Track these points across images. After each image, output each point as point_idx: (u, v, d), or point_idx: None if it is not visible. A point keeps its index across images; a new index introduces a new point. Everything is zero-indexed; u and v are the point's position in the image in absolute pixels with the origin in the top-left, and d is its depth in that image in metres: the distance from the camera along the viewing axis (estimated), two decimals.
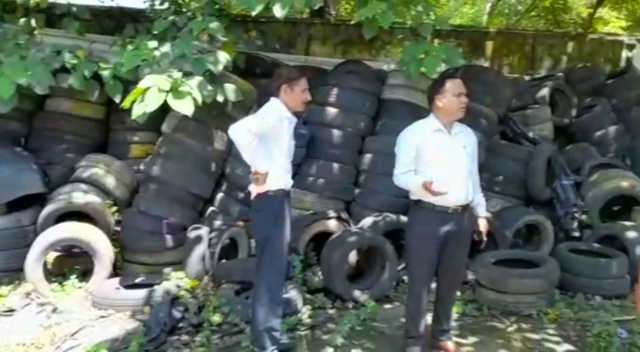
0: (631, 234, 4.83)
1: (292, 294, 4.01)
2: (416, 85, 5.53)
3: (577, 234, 5.55)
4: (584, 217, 5.67)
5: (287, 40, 7.55)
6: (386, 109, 5.66)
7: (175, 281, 4.31)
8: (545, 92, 6.71)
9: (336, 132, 5.44)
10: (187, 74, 4.62)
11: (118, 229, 4.95)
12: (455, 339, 3.65)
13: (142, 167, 5.38)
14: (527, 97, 6.70)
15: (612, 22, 12.62)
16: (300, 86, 3.40)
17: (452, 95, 3.21)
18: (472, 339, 3.75)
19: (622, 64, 8.38)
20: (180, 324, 3.82)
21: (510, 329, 3.93)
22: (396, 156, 3.31)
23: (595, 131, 6.67)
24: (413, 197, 3.33)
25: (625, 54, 8.54)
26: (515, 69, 8.15)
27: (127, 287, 4.30)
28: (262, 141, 3.21)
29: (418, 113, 5.57)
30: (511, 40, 8.30)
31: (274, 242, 3.27)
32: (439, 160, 3.21)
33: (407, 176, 3.23)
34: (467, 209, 3.34)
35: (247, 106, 5.32)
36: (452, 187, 3.14)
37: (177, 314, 3.83)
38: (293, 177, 5.10)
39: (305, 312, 4.04)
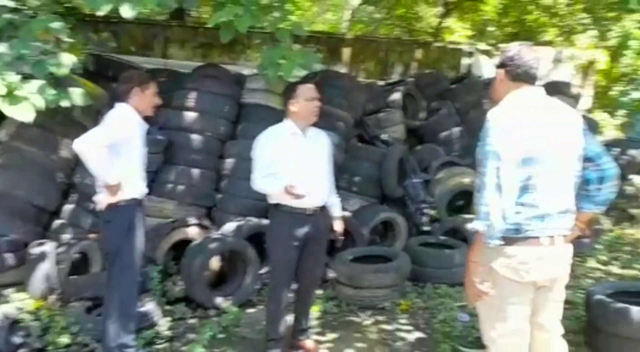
0: (470, 226, 5.27)
1: (149, 307, 3.85)
2: (275, 89, 5.59)
3: (427, 228, 5.97)
4: (432, 212, 6.12)
5: (143, 43, 7.26)
6: (246, 113, 5.66)
7: (16, 303, 3.93)
8: (397, 96, 7.13)
9: (195, 137, 5.33)
10: (27, 78, 4.25)
11: None
12: (315, 337, 3.75)
13: None
14: (380, 101, 7.07)
15: (458, 31, 13.77)
16: (151, 89, 3.30)
17: (305, 100, 3.29)
18: (331, 336, 3.87)
19: (463, 70, 9.19)
20: (21, 350, 3.49)
21: (366, 322, 4.12)
22: (253, 161, 3.32)
23: (441, 132, 7.21)
24: (272, 200, 3.36)
25: (465, 61, 9.37)
26: (371, 74, 8.57)
27: None
28: (112, 150, 3.06)
29: (278, 117, 5.51)
30: (367, 47, 8.72)
31: (125, 254, 3.13)
32: (296, 163, 3.27)
33: (266, 179, 3.25)
34: (324, 210, 3.44)
35: (97, 111, 5.02)
36: (310, 190, 3.22)
37: (16, 339, 3.50)
38: (149, 185, 4.97)
39: (163, 325, 3.90)
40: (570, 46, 10.71)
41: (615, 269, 5.62)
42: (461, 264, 4.87)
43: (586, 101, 10.18)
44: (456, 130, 7.29)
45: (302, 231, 3.29)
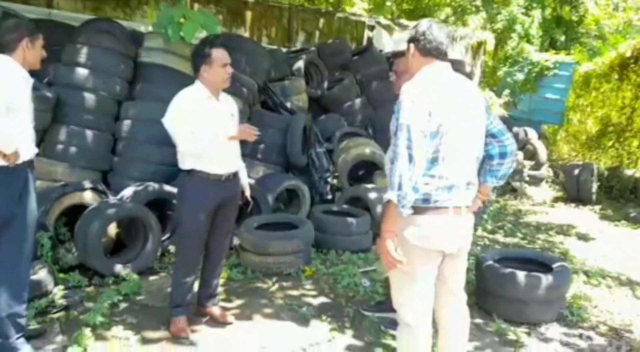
0: (373, 195, 5.46)
1: (41, 274, 3.58)
2: (175, 49, 5.33)
3: (330, 196, 6.10)
4: (335, 181, 6.25)
5: None
6: (144, 73, 5.33)
7: None
8: (300, 64, 7.11)
9: (88, 96, 4.94)
10: None
11: None
12: (221, 303, 3.70)
13: None
14: (284, 68, 7.01)
15: (356, 4, 13.91)
16: (39, 41, 2.99)
17: (218, 65, 3.18)
18: (237, 302, 3.85)
19: (365, 42, 9.34)
20: None
21: (272, 288, 4.14)
22: (175, 127, 3.14)
23: (344, 103, 7.33)
24: (185, 166, 3.22)
25: (367, 33, 9.51)
26: (273, 41, 8.43)
27: None
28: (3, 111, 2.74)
29: (177, 78, 5.39)
30: (269, 12, 8.54)
31: (18, 221, 2.85)
32: (213, 129, 3.17)
33: (196, 142, 3.12)
34: (235, 176, 3.38)
35: None
36: (225, 155, 3.20)
37: None
38: (38, 145, 4.57)
39: (57, 293, 3.65)
40: (463, 26, 11.24)
41: (500, 237, 6.10)
42: (362, 232, 5.09)
43: (475, 80, 10.80)
44: (358, 101, 7.44)
45: (216, 197, 3.23)
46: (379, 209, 5.42)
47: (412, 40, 2.46)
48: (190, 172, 3.21)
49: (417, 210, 2.29)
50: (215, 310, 3.53)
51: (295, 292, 4.08)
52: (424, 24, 2.44)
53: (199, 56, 3.22)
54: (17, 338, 2.89)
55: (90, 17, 6.00)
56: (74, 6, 6.69)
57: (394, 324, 3.44)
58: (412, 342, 2.43)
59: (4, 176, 2.84)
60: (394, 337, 3.36)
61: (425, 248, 2.34)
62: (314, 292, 4.11)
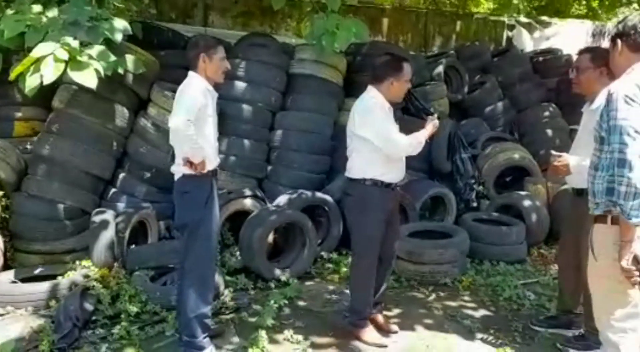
0: (526, 203, 5.20)
1: (214, 278, 3.82)
2: (325, 60, 5.48)
3: (475, 204, 5.90)
4: (480, 188, 6.04)
5: (184, 10, 7.10)
6: (295, 83, 5.55)
7: (81, 270, 3.93)
8: (440, 69, 6.96)
9: (246, 107, 5.24)
10: (83, 44, 4.17)
11: (6, 215, 4.39)
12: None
13: (28, 146, 4.79)
14: (424, 73, 6.91)
15: (482, 4, 13.40)
16: (218, 54, 3.18)
17: (405, 81, 3.25)
18: (396, 311, 3.84)
19: (504, 43, 8.97)
20: (94, 317, 3.49)
21: (430, 298, 4.08)
22: (382, 127, 3.18)
23: (485, 106, 7.06)
24: (364, 175, 3.25)
25: (506, 33, 9.13)
26: (409, 46, 8.37)
27: (25, 280, 3.86)
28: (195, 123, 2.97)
29: (328, 88, 5.57)
30: (406, 18, 8.50)
31: (205, 227, 3.07)
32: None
33: (407, 138, 3.23)
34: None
35: (149, 79, 4.94)
36: (400, 164, 3.31)
37: (88, 306, 3.50)
38: None
39: (227, 295, 3.88)
40: (598, 21, 10.37)
41: None
42: (518, 242, 4.86)
43: None
44: (500, 104, 7.13)
45: (390, 205, 3.29)
46: (533, 217, 5.16)
47: (620, 35, 2.30)
48: (368, 180, 3.22)
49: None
50: (380, 318, 3.55)
51: (453, 303, 3.99)
52: (634, 17, 2.27)
53: (388, 67, 3.27)
54: (204, 337, 3.10)
55: (245, 33, 6.32)
56: (225, 23, 7.13)
57: (570, 342, 3.28)
58: None
59: (193, 184, 3.07)
60: None
61: None
62: (473, 304, 3.99)
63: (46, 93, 4.52)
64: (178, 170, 3.09)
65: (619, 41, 2.31)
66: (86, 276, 3.81)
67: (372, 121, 3.17)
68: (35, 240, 4.32)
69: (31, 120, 4.97)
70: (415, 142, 3.25)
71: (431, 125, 3.32)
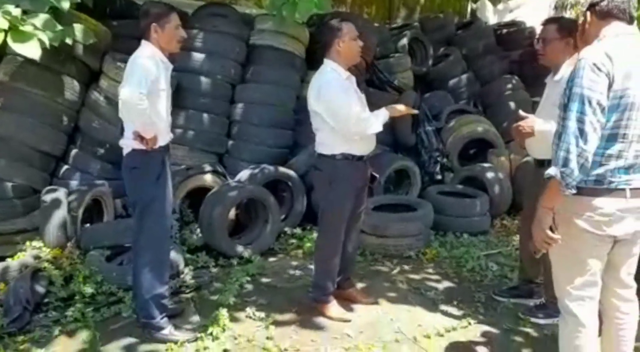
0: (490, 175, 5.21)
1: (173, 255, 3.68)
2: (286, 30, 5.31)
3: (439, 177, 5.88)
4: (445, 160, 6.02)
5: None
6: (256, 55, 5.38)
7: (32, 251, 3.75)
8: (404, 41, 6.87)
9: (204, 80, 5.05)
10: (26, 12, 3.92)
11: None
12: None
13: None
14: (389, 45, 6.81)
15: None
16: (172, 22, 2.98)
17: (351, 38, 3.07)
18: (360, 285, 3.78)
19: (468, 15, 8.92)
20: (46, 300, 3.33)
21: (394, 271, 4.04)
22: (339, 107, 2.99)
23: (449, 79, 7.01)
24: (333, 150, 3.12)
25: (470, 5, 9.08)
26: (374, 18, 8.25)
27: None
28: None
29: (289, 59, 5.42)
30: None
31: (158, 204, 2.94)
32: (361, 106, 3.14)
33: (367, 114, 3.07)
34: None
35: (100, 50, 4.70)
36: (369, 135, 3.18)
37: (40, 288, 3.33)
38: None
39: (187, 273, 3.77)
40: None
41: None
42: (481, 213, 4.87)
43: None
44: (464, 77, 7.10)
45: (360, 178, 3.22)
46: (496, 189, 5.17)
47: (589, 7, 2.24)
48: (339, 155, 3.11)
49: (588, 192, 2.09)
50: (353, 292, 3.50)
51: (417, 276, 3.97)
52: None
53: (329, 31, 3.11)
54: (162, 318, 3.00)
55: (200, 3, 6.09)
56: None
57: (531, 311, 3.30)
58: (581, 336, 2.23)
59: (143, 160, 2.92)
60: (533, 325, 3.21)
61: (597, 233, 2.13)
62: (437, 276, 3.97)
63: None
64: (127, 144, 2.93)
65: (588, 13, 2.25)
66: (37, 257, 3.64)
67: (325, 96, 3.03)
68: None
69: None
70: (374, 120, 3.07)
71: (404, 107, 3.21)
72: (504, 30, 7.93)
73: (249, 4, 7.11)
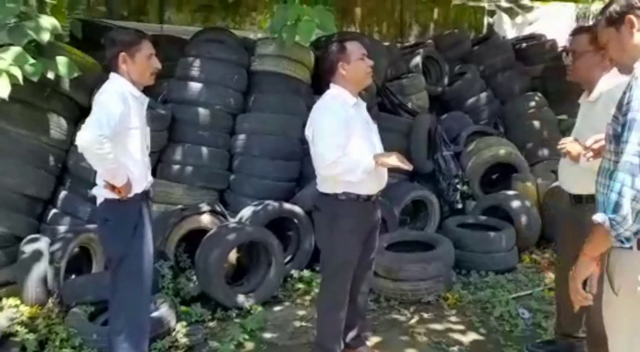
0: (515, 204, 4.75)
1: (163, 310, 3.31)
2: (289, 54, 4.96)
3: (460, 206, 5.43)
4: (465, 188, 5.57)
5: (137, 7, 6.54)
6: (257, 82, 5.02)
7: (8, 311, 3.39)
8: (418, 60, 6.49)
9: (202, 111, 4.68)
10: (3, 46, 3.64)
11: None
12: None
13: None
14: (401, 65, 6.44)
15: None
16: (142, 52, 2.64)
17: (357, 58, 2.72)
18: (374, 339, 3.35)
19: (485, 30, 8.51)
20: None
21: (412, 321, 3.60)
22: (320, 138, 2.68)
23: (467, 99, 6.59)
24: (334, 188, 2.76)
25: (486, 19, 8.68)
26: (385, 37, 7.89)
27: None
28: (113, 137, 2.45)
29: (293, 85, 5.05)
30: (379, 6, 8.00)
31: (132, 261, 2.59)
32: (363, 140, 2.76)
33: (345, 158, 2.64)
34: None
35: (89, 85, 4.40)
36: (378, 170, 2.75)
37: None
38: (154, 167, 4.37)
39: (180, 330, 3.36)
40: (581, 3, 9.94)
41: None
42: (508, 248, 4.40)
43: None
44: (483, 95, 6.67)
45: (368, 221, 2.84)
46: (523, 219, 4.70)
47: (629, 9, 1.81)
48: (340, 194, 2.74)
49: None
50: (365, 351, 3.08)
51: (439, 326, 3.52)
52: None
53: (332, 53, 2.78)
54: None
55: (201, 29, 5.80)
56: (184, 19, 6.59)
57: None
58: None
59: (116, 211, 2.57)
60: None
61: None
62: (461, 326, 3.52)
63: None
64: (99, 193, 2.58)
65: (630, 17, 1.82)
66: (11, 320, 3.27)
67: (313, 123, 2.72)
68: None
69: None
70: (352, 168, 2.63)
71: (395, 159, 2.70)
72: (523, 44, 7.52)
73: (254, 28, 6.81)
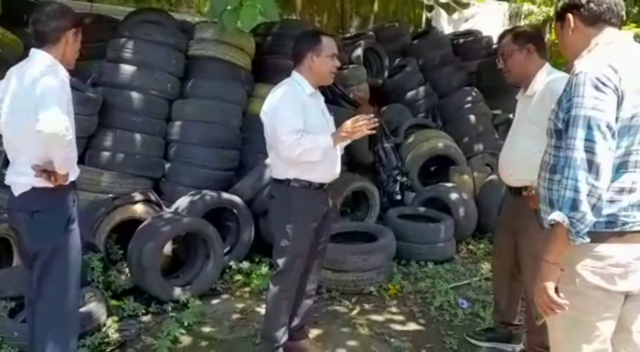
0: (454, 196, 4.82)
1: (92, 305, 3.10)
2: (229, 40, 4.79)
3: (399, 197, 5.46)
4: (404, 179, 5.61)
5: None
6: (195, 67, 4.81)
7: None
8: (359, 51, 6.47)
9: (136, 96, 4.43)
10: None
11: None
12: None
13: None
14: (342, 56, 6.38)
15: None
16: (80, 36, 2.48)
17: (327, 55, 2.67)
18: (315, 332, 3.29)
19: (424, 24, 8.62)
20: None
21: (353, 312, 3.56)
22: (278, 122, 2.60)
23: (407, 91, 6.63)
24: (286, 174, 2.69)
25: (425, 14, 8.79)
26: (326, 27, 7.83)
27: None
28: None
29: (233, 72, 4.89)
30: None
31: (64, 254, 2.38)
32: (320, 129, 2.68)
33: (304, 139, 2.54)
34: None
35: (9, 62, 4.05)
36: (331, 158, 2.73)
37: None
38: (83, 153, 4.11)
39: (111, 326, 3.17)
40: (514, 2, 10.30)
41: None
42: (447, 239, 4.45)
43: None
44: (422, 89, 6.73)
45: (321, 210, 2.78)
46: (461, 211, 4.78)
47: (570, 8, 1.82)
48: (292, 181, 2.68)
49: (597, 237, 1.67)
50: (308, 344, 3.02)
51: (380, 317, 3.50)
52: None
53: (304, 43, 2.70)
54: None
55: (134, 9, 5.51)
56: None
57: None
58: None
59: (49, 201, 2.36)
60: None
61: (610, 289, 1.71)
62: (402, 317, 3.52)
63: None
64: (22, 182, 2.35)
65: (569, 16, 1.83)
66: None
67: (272, 106, 2.65)
68: None
69: None
70: (312, 147, 2.55)
71: (349, 124, 2.59)
72: (461, 40, 7.64)
73: (191, 12, 6.55)
